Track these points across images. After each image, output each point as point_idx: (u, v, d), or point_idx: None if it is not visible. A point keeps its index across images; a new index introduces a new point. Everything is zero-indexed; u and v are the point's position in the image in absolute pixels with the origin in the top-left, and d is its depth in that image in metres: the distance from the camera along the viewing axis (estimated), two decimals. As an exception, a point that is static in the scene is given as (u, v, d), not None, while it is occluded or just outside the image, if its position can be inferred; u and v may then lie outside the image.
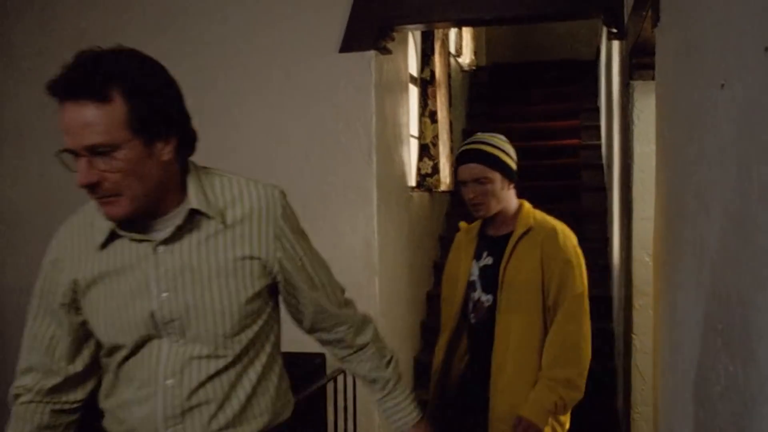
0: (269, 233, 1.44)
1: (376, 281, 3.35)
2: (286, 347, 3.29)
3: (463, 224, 2.59)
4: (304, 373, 3.23)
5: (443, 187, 4.92)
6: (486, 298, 2.36)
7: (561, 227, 2.38)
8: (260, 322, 1.48)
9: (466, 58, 6.68)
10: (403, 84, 4.04)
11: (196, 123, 3.69)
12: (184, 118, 1.38)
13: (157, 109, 1.31)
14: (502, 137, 2.44)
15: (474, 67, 6.94)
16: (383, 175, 3.43)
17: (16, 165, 3.77)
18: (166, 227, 1.39)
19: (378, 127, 3.30)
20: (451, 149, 5.01)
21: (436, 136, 4.76)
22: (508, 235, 2.36)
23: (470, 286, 2.41)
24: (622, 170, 3.50)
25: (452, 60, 5.86)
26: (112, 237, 1.40)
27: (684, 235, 1.62)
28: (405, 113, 4.09)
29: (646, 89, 2.90)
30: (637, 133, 3.04)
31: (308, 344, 3.28)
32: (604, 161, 5.71)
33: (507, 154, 2.38)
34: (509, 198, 2.40)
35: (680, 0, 1.66)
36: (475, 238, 2.47)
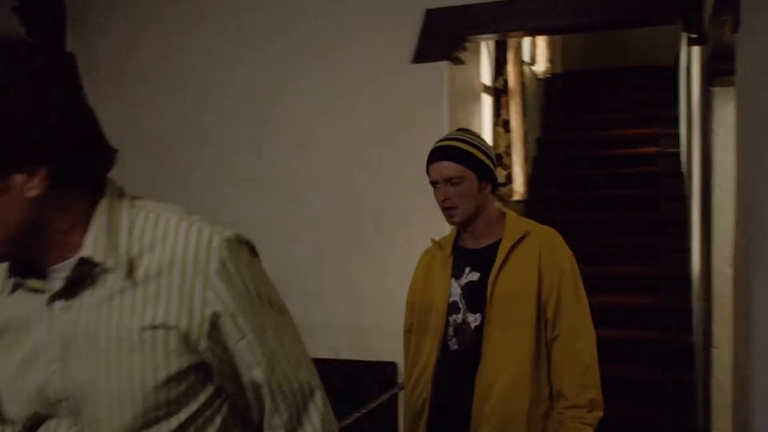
0: (194, 294, 1.02)
1: (448, 290, 3.34)
2: (358, 354, 3.34)
3: (432, 240, 2.28)
4: (376, 381, 3.24)
5: (517, 197, 4.89)
6: (473, 318, 2.10)
7: (557, 233, 2.18)
8: (187, 413, 1.04)
9: (541, 66, 6.61)
10: (476, 93, 4.03)
11: (268, 135, 3.76)
12: (60, 138, 0.98)
13: (5, 131, 0.94)
14: (478, 135, 2.23)
15: (549, 75, 6.87)
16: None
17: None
18: (60, 277, 1.03)
19: (450, 136, 3.30)
20: (525, 158, 4.97)
21: (509, 146, 4.73)
22: (494, 245, 2.12)
23: (450, 308, 2.13)
24: (702, 179, 3.41)
25: (526, 68, 5.81)
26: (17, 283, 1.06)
27: (764, 246, 1.58)
28: (478, 123, 4.08)
29: (727, 96, 2.82)
30: (716, 140, 2.96)
31: (380, 352, 3.32)
32: (683, 170, 5.57)
33: (483, 152, 2.13)
34: (488, 203, 2.14)
35: (760, 5, 1.62)
36: (450, 255, 2.19)
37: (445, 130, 3.26)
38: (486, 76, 4.62)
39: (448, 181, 2.07)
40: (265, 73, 3.52)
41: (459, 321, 2.12)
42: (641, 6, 3.14)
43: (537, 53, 6.51)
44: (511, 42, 4.82)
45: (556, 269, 2.08)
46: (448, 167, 2.08)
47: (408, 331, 2.28)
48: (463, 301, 2.12)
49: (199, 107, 3.67)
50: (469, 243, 2.17)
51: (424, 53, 3.22)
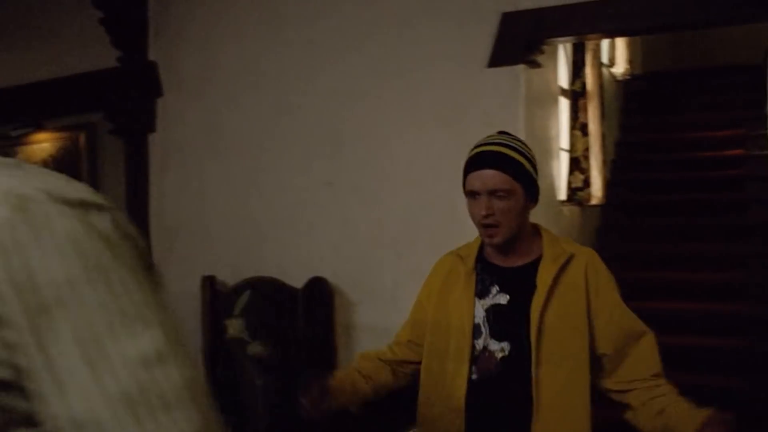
0: None
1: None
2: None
3: (454, 252, 2.07)
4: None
5: (595, 201, 4.80)
6: (498, 347, 1.85)
7: (598, 255, 1.95)
8: None
9: (620, 68, 6.48)
10: (552, 97, 3.98)
11: (345, 140, 3.79)
12: None
13: None
14: (523, 141, 1.95)
15: (628, 77, 6.72)
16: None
17: (179, 181, 4.03)
18: None
19: (527, 140, 3.25)
20: (604, 162, 4.87)
21: (587, 149, 4.65)
22: (530, 267, 1.88)
23: (473, 331, 1.90)
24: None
25: (605, 70, 5.70)
26: None
27: None
28: (555, 126, 4.02)
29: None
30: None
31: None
32: (772, 172, 5.36)
33: (532, 164, 1.89)
34: (528, 221, 1.92)
35: None
36: (473, 269, 1.94)
37: (521, 134, 3.22)
38: (563, 79, 4.55)
39: (493, 194, 1.83)
40: (341, 79, 3.55)
41: (479, 347, 1.88)
42: (727, 4, 3.04)
43: (616, 54, 6.38)
44: (590, 44, 4.73)
45: (606, 295, 1.87)
46: (495, 177, 1.82)
47: (399, 344, 2.11)
48: (486, 325, 1.88)
49: (278, 113, 3.73)
50: (497, 259, 1.94)
51: (500, 57, 3.20)
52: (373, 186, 3.46)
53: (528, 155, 1.89)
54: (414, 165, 3.40)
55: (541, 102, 3.61)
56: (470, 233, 3.43)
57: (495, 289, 1.91)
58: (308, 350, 3.49)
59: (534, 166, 1.90)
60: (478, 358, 1.87)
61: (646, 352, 1.91)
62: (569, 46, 4.61)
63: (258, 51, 3.80)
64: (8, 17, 4.71)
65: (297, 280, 3.55)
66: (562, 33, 3.22)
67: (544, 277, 1.84)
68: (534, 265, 1.88)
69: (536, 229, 1.96)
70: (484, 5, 3.23)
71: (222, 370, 3.52)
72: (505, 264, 1.93)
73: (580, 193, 4.58)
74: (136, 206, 4.10)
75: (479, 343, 1.88)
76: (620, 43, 6.41)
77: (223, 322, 3.69)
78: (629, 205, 5.84)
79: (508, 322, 1.86)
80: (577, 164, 4.59)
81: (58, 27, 4.48)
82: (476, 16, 3.25)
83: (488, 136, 1.97)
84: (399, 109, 3.44)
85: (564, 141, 4.53)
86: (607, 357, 1.89)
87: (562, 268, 1.85)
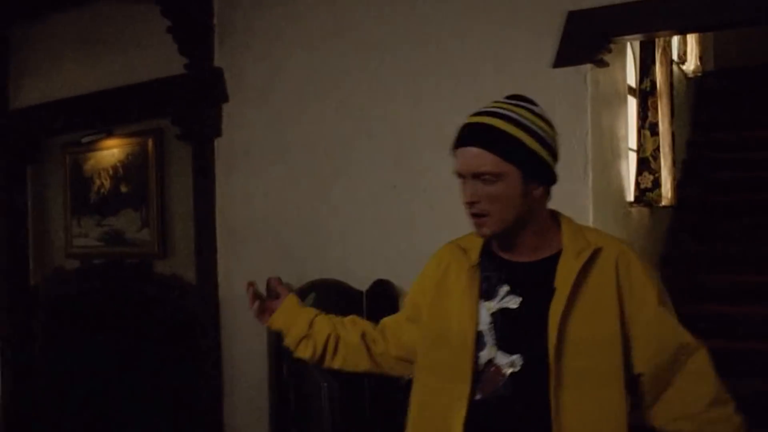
0: None
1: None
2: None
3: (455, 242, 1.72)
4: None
5: (665, 202, 4.67)
6: (507, 361, 1.50)
7: (631, 247, 1.60)
8: None
9: (691, 65, 6.30)
10: (620, 96, 3.89)
11: (408, 143, 3.76)
12: None
13: None
14: (534, 107, 1.57)
15: (699, 74, 6.53)
16: (600, 190, 3.31)
17: (244, 185, 4.08)
18: None
19: (594, 141, 3.19)
20: (674, 162, 4.74)
21: (656, 149, 4.53)
22: (547, 262, 1.54)
23: (476, 341, 1.54)
24: None
25: (675, 67, 5.55)
26: None
27: None
28: (623, 126, 3.93)
29: None
30: None
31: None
32: None
33: (537, 136, 1.51)
34: (538, 210, 1.55)
35: None
36: (477, 264, 1.59)
37: (588, 135, 3.16)
38: (631, 78, 4.45)
39: (478, 177, 1.50)
40: (406, 81, 3.54)
41: (484, 361, 1.52)
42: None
43: (686, 51, 6.21)
44: (659, 41, 4.61)
45: (645, 300, 1.52)
46: (478, 157, 1.49)
47: (422, 366, 1.67)
48: (492, 333, 1.53)
49: (342, 117, 3.75)
50: (507, 253, 1.59)
51: (566, 57, 3.13)
52: (438, 189, 3.43)
53: (533, 127, 1.51)
54: (478, 167, 3.36)
55: (609, 101, 3.53)
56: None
57: (504, 289, 1.55)
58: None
59: (543, 141, 1.52)
60: (482, 374, 1.51)
61: (698, 375, 1.57)
62: (637, 43, 4.50)
63: (322, 56, 3.82)
64: (79, 30, 4.85)
65: (361, 282, 3.55)
66: (629, 31, 3.14)
67: (564, 276, 1.49)
68: (553, 261, 1.52)
69: (555, 218, 1.61)
70: (550, 4, 3.17)
71: (287, 372, 3.54)
72: (517, 259, 1.57)
73: (649, 194, 4.46)
74: (203, 210, 4.16)
75: (483, 356, 1.52)
76: (691, 39, 6.23)
77: (288, 324, 3.71)
78: (701, 205, 5.67)
79: (520, 330, 1.50)
80: (647, 164, 4.48)
81: (127, 37, 4.59)
82: (541, 15, 3.20)
83: (489, 103, 1.62)
84: (463, 111, 3.39)
85: (632, 141, 4.43)
86: (646, 378, 1.54)
87: (587, 265, 1.50)
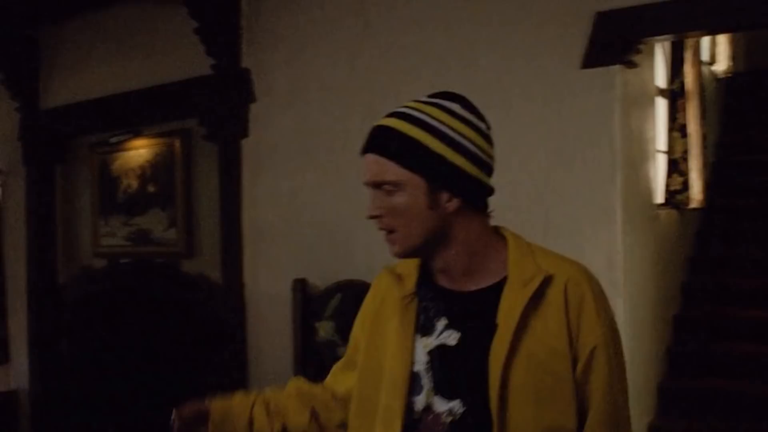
0: None
1: (620, 303, 3.20)
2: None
3: (387, 270, 1.48)
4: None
5: (694, 204, 4.61)
6: (446, 408, 1.30)
7: (588, 275, 1.35)
8: None
9: (722, 65, 6.22)
10: (649, 97, 3.84)
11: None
12: None
13: None
14: (456, 105, 1.36)
15: (730, 75, 6.44)
16: (628, 192, 3.28)
17: (271, 185, 4.09)
18: None
19: (623, 143, 3.16)
20: (704, 164, 4.68)
21: (686, 151, 4.47)
22: (489, 292, 1.32)
23: (411, 383, 1.33)
24: None
25: (705, 68, 5.48)
26: None
27: None
28: (651, 128, 3.88)
29: None
30: None
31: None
32: None
33: (447, 137, 1.29)
34: (462, 225, 1.33)
35: None
36: (413, 293, 1.38)
37: (616, 137, 3.13)
38: (661, 79, 4.39)
39: (379, 187, 1.31)
40: (433, 81, 3.52)
41: (421, 407, 1.32)
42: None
43: (717, 51, 6.13)
44: (689, 41, 4.55)
45: (588, 340, 1.28)
46: (375, 164, 1.31)
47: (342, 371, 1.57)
48: (429, 375, 1.32)
49: (369, 117, 3.72)
50: (445, 281, 1.37)
51: (595, 58, 3.10)
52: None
53: (442, 128, 1.29)
54: (505, 168, 3.33)
55: (638, 103, 3.49)
56: (563, 238, 3.35)
57: (442, 323, 1.33)
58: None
59: (458, 144, 1.30)
60: (419, 422, 1.31)
61: None
62: (667, 44, 4.45)
63: (349, 56, 3.82)
64: (107, 31, 4.89)
65: (386, 284, 3.54)
66: (659, 31, 3.10)
67: (508, 310, 1.27)
68: (496, 291, 1.31)
69: (499, 238, 1.39)
70: (578, 5, 3.14)
71: (312, 372, 3.54)
72: (457, 287, 1.35)
73: (678, 197, 4.41)
74: (229, 210, 4.18)
75: (420, 401, 1.31)
76: (722, 39, 6.15)
77: (313, 324, 3.72)
78: (731, 208, 5.59)
79: (460, 372, 1.29)
80: (676, 166, 4.42)
81: (155, 38, 4.62)
82: (570, 16, 3.17)
83: (408, 102, 1.38)
84: (491, 112, 3.37)
85: (661, 143, 4.38)
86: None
87: (536, 296, 1.28)
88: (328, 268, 3.77)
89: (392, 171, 1.29)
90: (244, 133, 4.14)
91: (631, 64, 3.18)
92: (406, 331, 1.35)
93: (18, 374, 5.66)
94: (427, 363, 1.33)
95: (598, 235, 3.21)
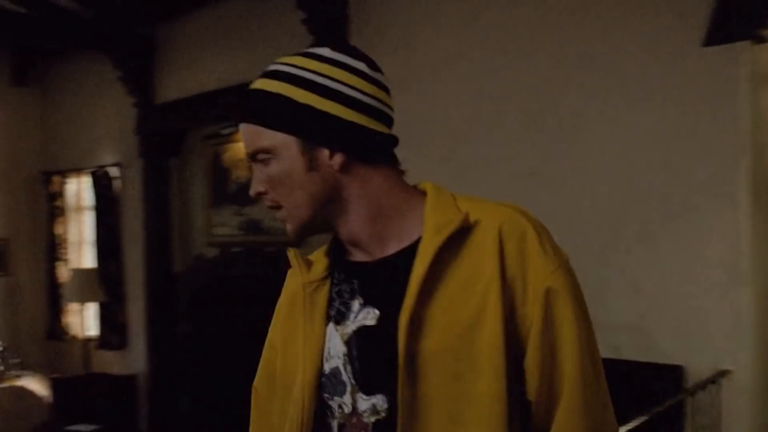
0: None
1: (746, 291, 3.05)
2: (640, 355, 3.16)
3: (292, 252, 1.21)
4: (660, 384, 3.06)
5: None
6: (368, 406, 1.07)
7: (526, 215, 1.11)
8: None
9: None
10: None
11: (548, 128, 3.65)
12: None
13: None
14: (326, 51, 1.10)
15: None
16: (755, 175, 3.12)
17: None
18: None
19: (750, 124, 3.01)
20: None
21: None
22: (405, 253, 1.08)
23: (326, 384, 1.12)
24: None
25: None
26: None
27: None
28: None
29: None
30: None
31: (664, 354, 3.11)
32: None
33: (315, 84, 1.07)
34: (361, 186, 1.11)
35: None
36: (325, 277, 1.16)
37: (741, 119, 2.98)
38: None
39: (255, 159, 1.12)
40: (545, 65, 3.46)
41: (347, 411, 1.09)
42: None
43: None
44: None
45: (542, 277, 1.04)
46: (245, 133, 1.12)
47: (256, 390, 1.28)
48: (348, 369, 1.09)
49: (478, 105, 3.70)
50: (360, 253, 1.15)
51: (719, 34, 2.96)
52: (578, 176, 3.34)
53: (308, 76, 1.07)
54: (623, 154, 3.24)
55: (767, 82, 3.32)
56: (682, 226, 3.22)
57: (358, 302, 1.11)
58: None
59: (331, 90, 1.07)
60: (343, 429, 1.10)
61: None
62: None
63: (456, 45, 3.79)
64: (218, 26, 5.02)
65: (496, 272, 3.50)
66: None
67: (416, 268, 1.04)
68: (411, 252, 1.08)
69: (419, 194, 1.16)
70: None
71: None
72: (370, 258, 1.13)
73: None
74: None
75: (346, 404, 1.09)
76: None
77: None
78: None
79: (378, 359, 1.07)
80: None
81: (263, 31, 4.72)
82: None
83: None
84: (607, 94, 3.29)
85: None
86: (536, 411, 1.06)
87: (451, 245, 1.05)
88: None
89: (262, 136, 1.09)
90: (353, 121, 4.17)
91: (759, 39, 3.01)
92: (313, 324, 1.13)
93: (136, 359, 5.92)
94: (345, 355, 1.09)
95: (721, 221, 3.07)
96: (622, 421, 2.65)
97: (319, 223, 1.13)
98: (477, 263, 1.04)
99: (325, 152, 1.08)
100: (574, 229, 3.38)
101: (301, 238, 1.15)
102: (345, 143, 1.09)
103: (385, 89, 1.15)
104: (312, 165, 1.08)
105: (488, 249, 1.04)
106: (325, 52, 1.10)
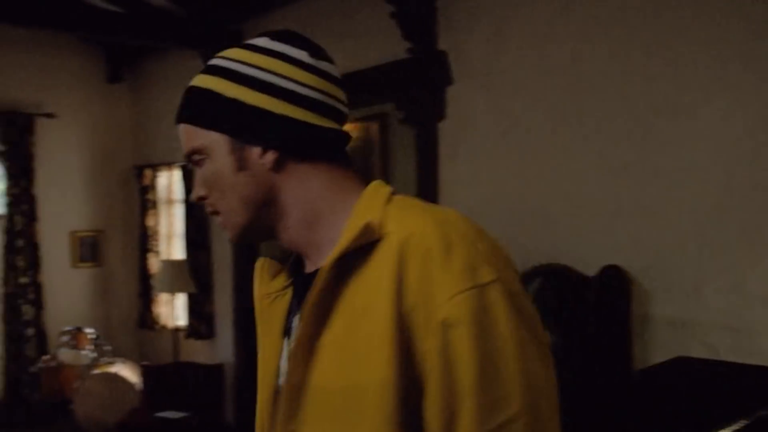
0: None
1: None
2: (739, 356, 3.03)
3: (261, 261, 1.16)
4: (761, 387, 2.94)
5: None
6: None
7: (445, 225, 0.95)
8: None
9: None
10: None
11: (643, 122, 3.54)
12: None
13: None
14: (263, 41, 1.04)
15: None
16: None
17: (469, 168, 4.08)
18: None
19: None
20: None
21: None
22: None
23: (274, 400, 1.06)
24: None
25: None
26: None
27: None
28: None
29: None
30: None
31: (764, 355, 2.99)
32: None
33: (245, 77, 0.99)
34: (300, 188, 1.01)
35: None
36: (284, 286, 1.11)
37: None
38: None
39: (190, 159, 1.04)
40: (640, 53, 3.36)
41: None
42: None
43: None
44: None
45: (433, 321, 0.87)
46: (182, 135, 1.04)
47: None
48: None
49: (569, 96, 3.63)
50: (308, 263, 1.06)
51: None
52: (677, 169, 3.23)
53: (237, 68, 1.00)
54: (721, 148, 3.12)
55: None
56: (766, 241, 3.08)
57: (297, 318, 1.02)
58: (597, 342, 3.36)
59: (263, 82, 0.99)
60: None
61: None
62: None
63: (547, 35, 3.72)
64: (306, 20, 5.06)
65: (589, 268, 3.43)
66: None
67: (312, 290, 0.95)
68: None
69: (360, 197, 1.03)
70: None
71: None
72: (312, 268, 1.04)
73: None
74: (427, 193, 4.20)
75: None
76: None
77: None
78: None
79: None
80: None
81: (351, 24, 4.74)
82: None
83: None
84: (704, 89, 3.17)
85: None
86: None
87: (356, 260, 0.93)
88: (527, 251, 3.70)
89: (193, 136, 1.02)
90: (441, 115, 4.15)
91: None
92: (271, 338, 1.08)
93: (223, 349, 6.04)
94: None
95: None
96: (719, 425, 2.56)
97: (258, 229, 1.04)
98: (375, 286, 0.90)
99: (256, 150, 0.99)
100: (670, 224, 3.28)
101: (240, 242, 1.04)
102: (277, 140, 0.99)
103: (332, 79, 1.06)
104: (242, 164, 1.00)
105: (386, 270, 0.90)
106: (261, 42, 1.03)
